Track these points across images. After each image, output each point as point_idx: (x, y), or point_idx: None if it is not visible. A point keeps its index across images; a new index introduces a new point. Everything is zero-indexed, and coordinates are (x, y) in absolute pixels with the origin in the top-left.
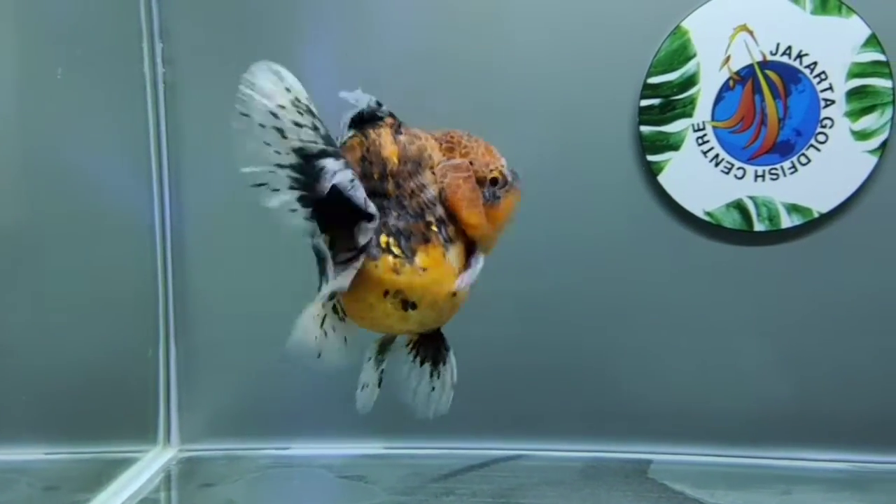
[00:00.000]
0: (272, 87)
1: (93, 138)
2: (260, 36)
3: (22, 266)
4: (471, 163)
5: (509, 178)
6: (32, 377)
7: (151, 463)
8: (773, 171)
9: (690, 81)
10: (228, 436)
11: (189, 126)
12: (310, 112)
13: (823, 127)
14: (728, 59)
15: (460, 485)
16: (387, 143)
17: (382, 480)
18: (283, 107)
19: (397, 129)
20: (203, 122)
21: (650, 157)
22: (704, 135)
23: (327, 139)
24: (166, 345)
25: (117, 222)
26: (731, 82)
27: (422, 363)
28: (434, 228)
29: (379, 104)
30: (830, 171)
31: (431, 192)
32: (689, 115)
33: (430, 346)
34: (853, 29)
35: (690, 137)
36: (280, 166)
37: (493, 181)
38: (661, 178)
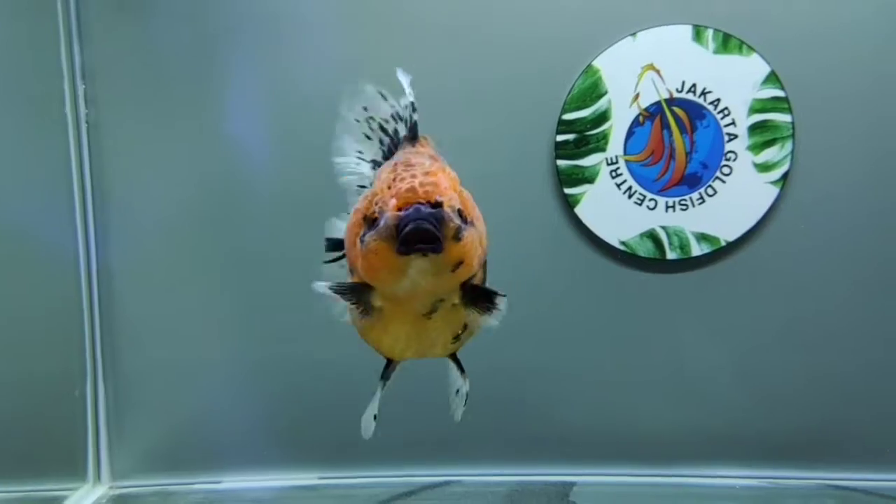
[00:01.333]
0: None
1: (16, 179)
2: (181, 75)
3: None
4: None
5: (383, 223)
6: None
7: (81, 500)
8: (683, 203)
9: (603, 117)
10: (160, 471)
11: (113, 164)
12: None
13: (728, 160)
14: (637, 96)
15: None
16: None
17: None
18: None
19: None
20: (126, 159)
21: (567, 190)
22: (618, 168)
23: None
24: (94, 380)
25: (43, 260)
26: (640, 118)
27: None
28: None
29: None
30: (736, 202)
31: None
32: (603, 150)
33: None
34: (753, 67)
35: (604, 171)
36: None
37: (371, 221)
38: (578, 210)
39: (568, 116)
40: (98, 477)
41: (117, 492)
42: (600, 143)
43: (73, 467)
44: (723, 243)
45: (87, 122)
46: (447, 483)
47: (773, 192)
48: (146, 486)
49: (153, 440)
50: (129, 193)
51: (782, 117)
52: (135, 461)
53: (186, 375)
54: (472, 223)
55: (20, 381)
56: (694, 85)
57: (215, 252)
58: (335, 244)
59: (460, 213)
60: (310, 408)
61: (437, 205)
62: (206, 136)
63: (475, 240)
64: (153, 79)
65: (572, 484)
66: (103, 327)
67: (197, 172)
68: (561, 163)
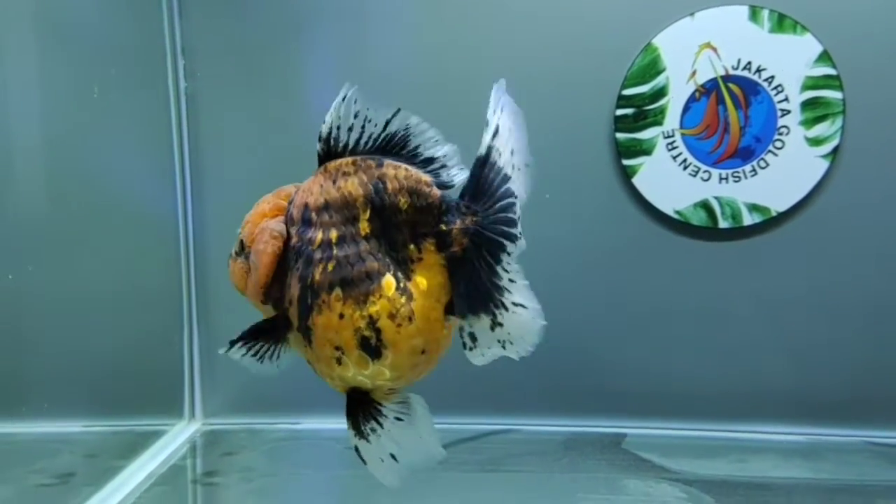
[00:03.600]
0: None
1: (124, 147)
2: (270, 51)
3: (64, 262)
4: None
5: (242, 247)
6: (72, 360)
7: (178, 435)
8: (736, 174)
9: (660, 93)
10: (246, 411)
11: (208, 134)
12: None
13: (780, 134)
14: (694, 73)
15: (451, 455)
16: None
17: None
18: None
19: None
20: (221, 130)
21: (625, 162)
22: (674, 141)
23: None
24: (190, 330)
25: (146, 222)
26: (697, 94)
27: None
28: None
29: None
30: (787, 174)
31: None
32: (660, 124)
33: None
34: (807, 46)
35: (661, 143)
36: None
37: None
38: (635, 181)
39: (627, 92)
40: (193, 415)
41: (209, 428)
42: (657, 118)
43: (171, 406)
44: (773, 214)
45: (185, 95)
46: (506, 431)
47: (824, 165)
48: (234, 424)
49: (241, 384)
50: (222, 159)
51: (834, 94)
52: (224, 402)
53: None
54: (246, 254)
55: (127, 331)
56: (749, 62)
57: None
58: None
59: (241, 244)
60: None
61: None
62: (292, 106)
63: (235, 268)
64: (245, 54)
65: (624, 435)
66: (198, 283)
67: (283, 140)
68: (620, 135)
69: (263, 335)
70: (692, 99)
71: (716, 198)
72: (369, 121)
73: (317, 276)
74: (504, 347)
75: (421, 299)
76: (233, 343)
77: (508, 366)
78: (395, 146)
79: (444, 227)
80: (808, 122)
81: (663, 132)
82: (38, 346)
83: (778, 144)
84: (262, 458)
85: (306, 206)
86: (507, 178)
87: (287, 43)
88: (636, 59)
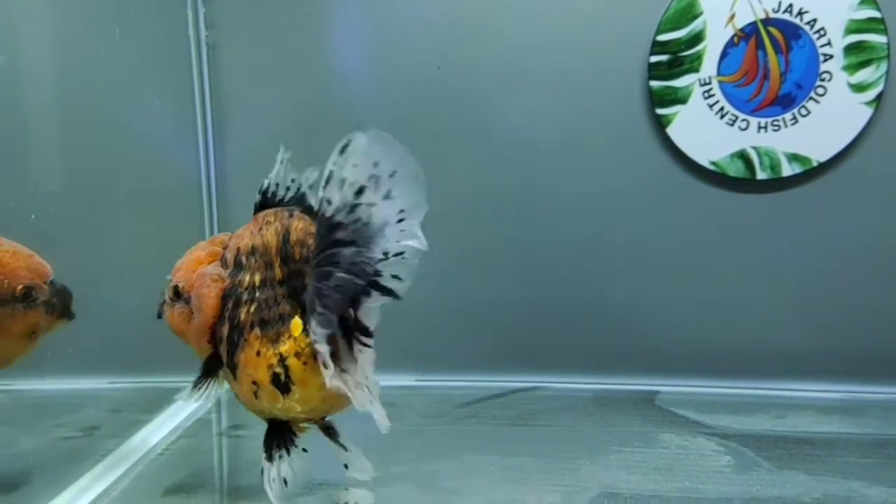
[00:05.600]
0: None
1: (145, 95)
2: (291, 2)
3: (87, 215)
4: None
5: (177, 293)
6: (98, 318)
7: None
8: (775, 123)
9: (697, 38)
10: None
11: (229, 83)
12: None
13: (822, 80)
14: (733, 16)
15: (482, 410)
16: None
17: (412, 406)
18: None
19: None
20: (242, 80)
21: (659, 111)
22: (710, 89)
23: None
24: None
25: (168, 172)
26: (735, 39)
27: None
28: None
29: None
30: (829, 122)
31: None
32: (696, 71)
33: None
34: None
35: (697, 91)
36: None
37: None
38: (670, 131)
39: (662, 38)
40: None
41: None
42: (694, 64)
43: (196, 363)
44: (814, 163)
45: (207, 44)
46: (534, 388)
47: (867, 112)
48: None
49: None
50: (243, 108)
51: (878, 38)
52: None
53: None
54: (185, 300)
55: (152, 286)
56: (790, 5)
57: (318, 163)
58: None
59: (176, 290)
60: (407, 318)
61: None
62: (313, 57)
63: (174, 314)
64: (266, 4)
65: (657, 392)
66: (220, 229)
67: (302, 91)
68: (654, 84)
69: (213, 372)
70: (730, 44)
71: (754, 148)
72: (294, 179)
73: (242, 316)
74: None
75: None
76: (194, 385)
77: (537, 322)
78: (304, 199)
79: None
80: (852, 68)
81: (700, 79)
82: None
83: (820, 91)
84: None
85: (238, 250)
86: (333, 227)
87: None
88: (671, 3)
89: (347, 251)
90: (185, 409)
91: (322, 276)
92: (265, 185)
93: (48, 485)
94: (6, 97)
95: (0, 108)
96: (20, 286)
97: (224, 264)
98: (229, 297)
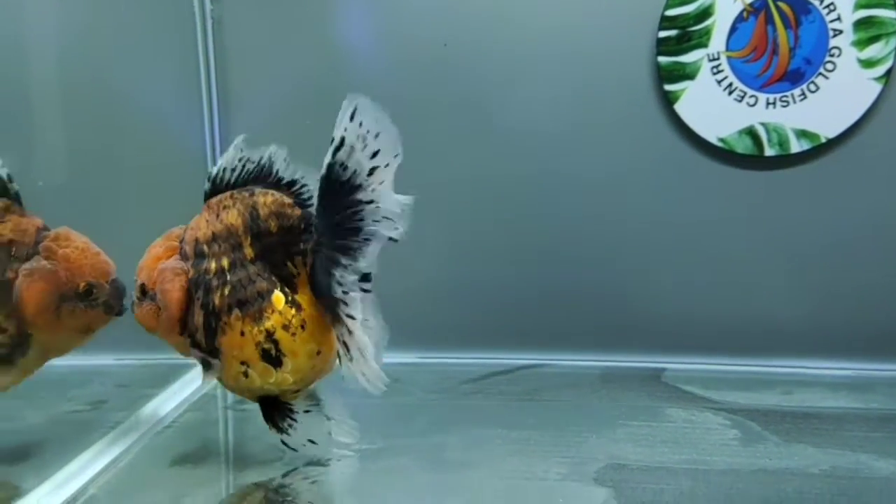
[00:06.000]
0: None
1: (150, 69)
2: None
3: (91, 181)
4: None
5: (144, 291)
6: None
7: None
8: (784, 99)
9: (706, 13)
10: None
11: (234, 58)
12: None
13: (832, 56)
14: None
15: (488, 386)
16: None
17: (417, 382)
18: None
19: None
20: (247, 55)
21: (667, 87)
22: (719, 64)
23: None
24: None
25: (172, 145)
26: (744, 13)
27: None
28: None
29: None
30: (838, 98)
31: None
32: (705, 46)
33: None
34: None
35: (706, 67)
36: None
37: None
38: (677, 107)
39: (671, 12)
40: None
41: None
42: (702, 39)
43: None
44: (823, 140)
45: (212, 18)
46: (538, 365)
47: (877, 88)
48: None
49: None
50: (248, 84)
51: (888, 13)
52: None
53: None
54: (151, 296)
55: None
56: None
57: (324, 142)
58: None
59: (142, 289)
60: (412, 294)
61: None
62: (318, 32)
63: (143, 312)
64: None
65: (663, 369)
66: None
67: (308, 66)
68: (662, 59)
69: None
70: (739, 19)
71: (762, 124)
72: (248, 160)
73: (217, 301)
74: (347, 362)
75: (309, 308)
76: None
77: (544, 300)
78: (264, 176)
79: (303, 245)
80: (861, 43)
81: (708, 55)
82: None
83: (829, 66)
84: None
85: (197, 240)
86: (354, 189)
87: None
88: None
89: (370, 207)
90: (192, 384)
91: (349, 231)
92: (215, 172)
93: (57, 455)
94: (9, 72)
95: (3, 83)
96: (83, 284)
97: (184, 256)
98: (198, 287)
